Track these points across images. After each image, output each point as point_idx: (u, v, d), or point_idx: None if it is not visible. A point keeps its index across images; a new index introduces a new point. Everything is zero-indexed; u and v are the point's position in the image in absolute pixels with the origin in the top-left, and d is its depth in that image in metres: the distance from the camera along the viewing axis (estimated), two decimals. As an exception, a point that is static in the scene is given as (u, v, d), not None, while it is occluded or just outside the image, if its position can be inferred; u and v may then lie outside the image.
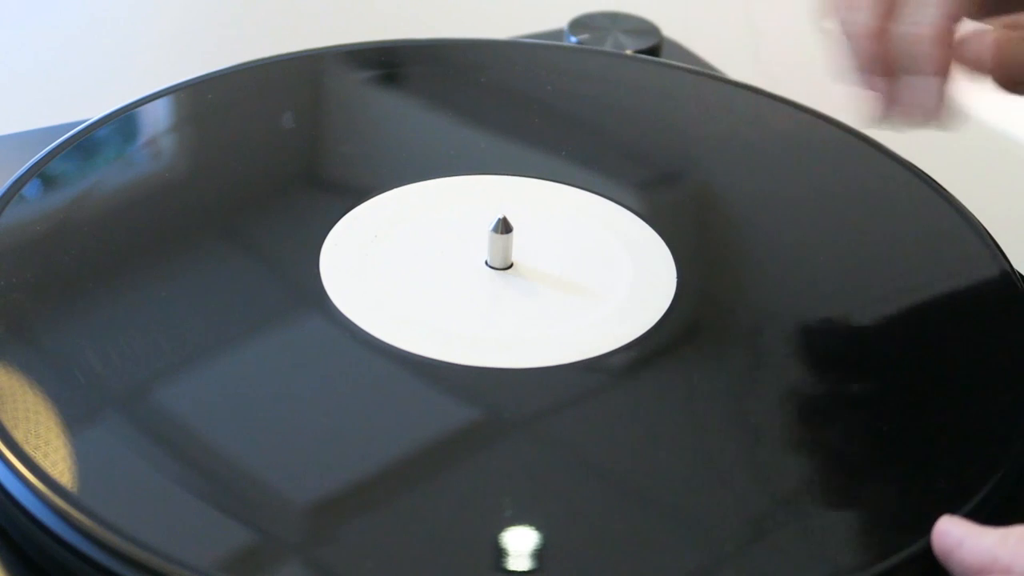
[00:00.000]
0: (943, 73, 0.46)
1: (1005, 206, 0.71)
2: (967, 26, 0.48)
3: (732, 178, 0.57)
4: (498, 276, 0.50)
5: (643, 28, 0.67)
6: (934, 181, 0.56)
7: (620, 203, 0.54)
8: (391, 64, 0.63)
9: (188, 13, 0.85)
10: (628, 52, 0.64)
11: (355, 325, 0.48)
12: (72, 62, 0.78)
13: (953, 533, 0.40)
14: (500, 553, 0.41)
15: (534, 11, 0.74)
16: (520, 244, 0.50)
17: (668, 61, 0.61)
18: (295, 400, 0.45)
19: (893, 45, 0.46)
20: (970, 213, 0.54)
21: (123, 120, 0.57)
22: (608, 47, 0.65)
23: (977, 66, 0.48)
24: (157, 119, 0.58)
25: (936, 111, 0.47)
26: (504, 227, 0.50)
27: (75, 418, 0.44)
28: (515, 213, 0.51)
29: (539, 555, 0.41)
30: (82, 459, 0.42)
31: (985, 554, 0.39)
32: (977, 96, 0.74)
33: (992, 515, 0.43)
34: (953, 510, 0.42)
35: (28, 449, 0.42)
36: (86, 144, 0.55)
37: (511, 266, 0.51)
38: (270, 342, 0.48)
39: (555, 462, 0.44)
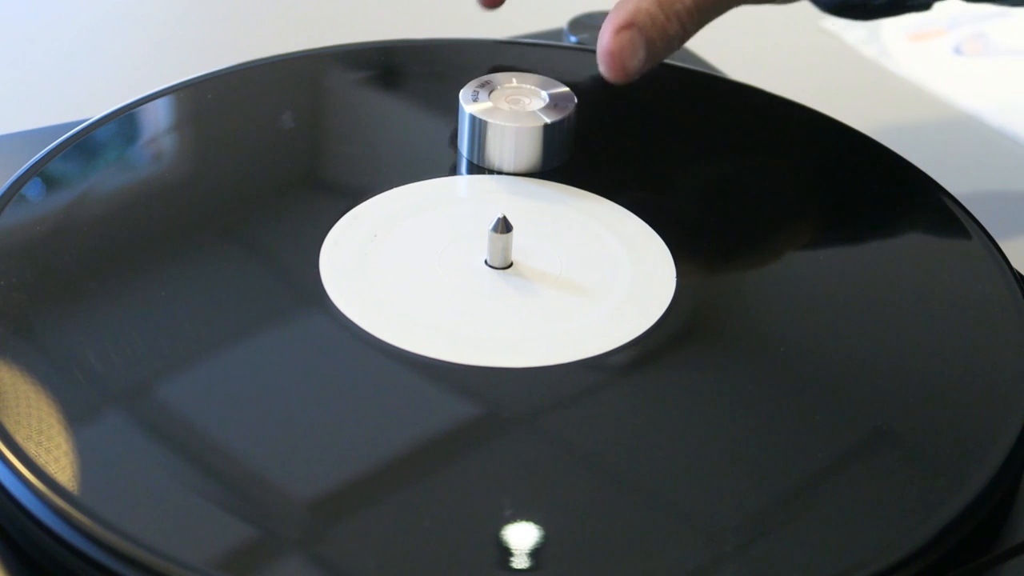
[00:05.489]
0: None
1: (1005, 206, 0.71)
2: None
3: (732, 178, 0.57)
4: (498, 276, 0.50)
5: (643, 28, 0.67)
6: (934, 181, 0.56)
7: (620, 203, 0.54)
8: (391, 64, 0.63)
9: (188, 13, 0.85)
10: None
11: (355, 324, 0.48)
12: (72, 62, 0.78)
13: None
14: (500, 552, 0.41)
15: (534, 11, 0.74)
16: (520, 244, 0.50)
17: (668, 61, 0.61)
18: (295, 399, 0.45)
19: None
20: (970, 213, 0.54)
21: (123, 120, 0.57)
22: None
23: None
24: (157, 119, 0.58)
25: None
26: (504, 227, 0.50)
27: (76, 418, 0.44)
28: (515, 213, 0.51)
29: (539, 554, 0.41)
30: (83, 459, 0.42)
31: None
32: (977, 95, 0.74)
33: (990, 515, 0.43)
34: (952, 509, 0.42)
35: (29, 448, 0.42)
36: (86, 144, 0.55)
37: (511, 266, 0.51)
38: (270, 342, 0.48)
39: (555, 461, 0.44)
